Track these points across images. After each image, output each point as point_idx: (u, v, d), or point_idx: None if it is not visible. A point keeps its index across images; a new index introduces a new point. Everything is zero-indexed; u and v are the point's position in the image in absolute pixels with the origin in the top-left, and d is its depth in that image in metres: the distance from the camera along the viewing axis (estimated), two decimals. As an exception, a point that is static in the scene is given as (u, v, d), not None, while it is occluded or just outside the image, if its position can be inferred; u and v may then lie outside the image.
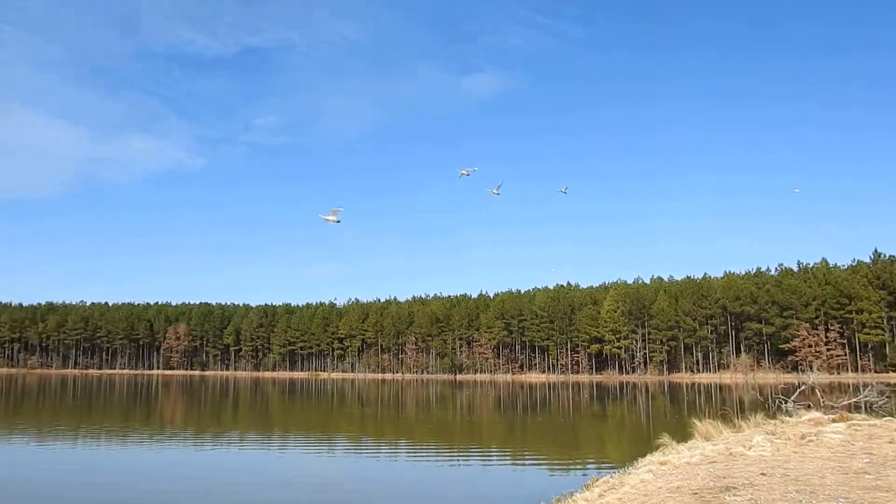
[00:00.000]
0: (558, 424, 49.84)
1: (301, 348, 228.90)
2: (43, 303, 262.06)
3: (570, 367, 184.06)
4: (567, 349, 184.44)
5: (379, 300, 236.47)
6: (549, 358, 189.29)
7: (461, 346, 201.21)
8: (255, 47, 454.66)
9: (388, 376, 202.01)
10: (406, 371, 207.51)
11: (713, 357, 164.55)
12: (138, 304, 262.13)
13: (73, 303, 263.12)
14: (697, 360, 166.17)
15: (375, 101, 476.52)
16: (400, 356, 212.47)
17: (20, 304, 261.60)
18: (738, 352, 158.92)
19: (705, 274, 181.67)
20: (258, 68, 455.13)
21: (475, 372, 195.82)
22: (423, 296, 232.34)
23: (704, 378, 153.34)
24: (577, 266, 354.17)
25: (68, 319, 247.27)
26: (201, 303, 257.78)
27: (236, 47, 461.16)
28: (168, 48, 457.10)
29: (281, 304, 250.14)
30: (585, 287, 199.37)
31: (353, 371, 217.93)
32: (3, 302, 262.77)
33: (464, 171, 52.76)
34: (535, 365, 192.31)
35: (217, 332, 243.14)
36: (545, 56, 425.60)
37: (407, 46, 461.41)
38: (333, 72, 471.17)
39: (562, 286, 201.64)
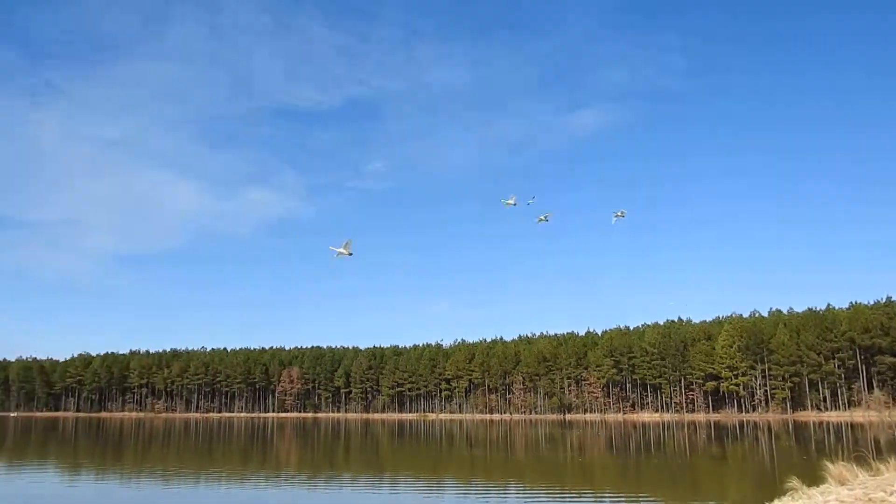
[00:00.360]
0: (675, 466, 47.70)
1: (409, 389, 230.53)
2: (168, 349, 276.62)
3: (684, 405, 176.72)
4: (680, 387, 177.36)
5: (485, 340, 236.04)
6: (661, 396, 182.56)
7: (569, 385, 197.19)
8: (360, 97, 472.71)
9: (496, 417, 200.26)
10: (514, 411, 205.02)
11: (842, 394, 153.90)
12: (254, 349, 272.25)
13: (195, 349, 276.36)
14: (824, 398, 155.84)
15: (479, 143, 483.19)
16: (507, 396, 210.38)
17: (147, 351, 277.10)
18: (871, 388, 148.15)
19: (829, 305, 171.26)
20: (364, 117, 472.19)
21: (584, 411, 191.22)
22: (530, 334, 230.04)
23: (833, 416, 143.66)
24: (689, 299, 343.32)
25: (191, 365, 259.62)
26: (313, 346, 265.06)
27: (343, 99, 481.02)
28: (280, 104, 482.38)
29: (389, 345, 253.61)
30: (698, 322, 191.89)
31: (460, 412, 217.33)
32: (133, 349, 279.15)
33: (508, 201, 52.61)
34: (648, 403, 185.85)
35: (328, 374, 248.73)
36: (648, 89, 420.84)
37: (509, 86, 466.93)
38: (436, 116, 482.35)
39: (672, 321, 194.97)
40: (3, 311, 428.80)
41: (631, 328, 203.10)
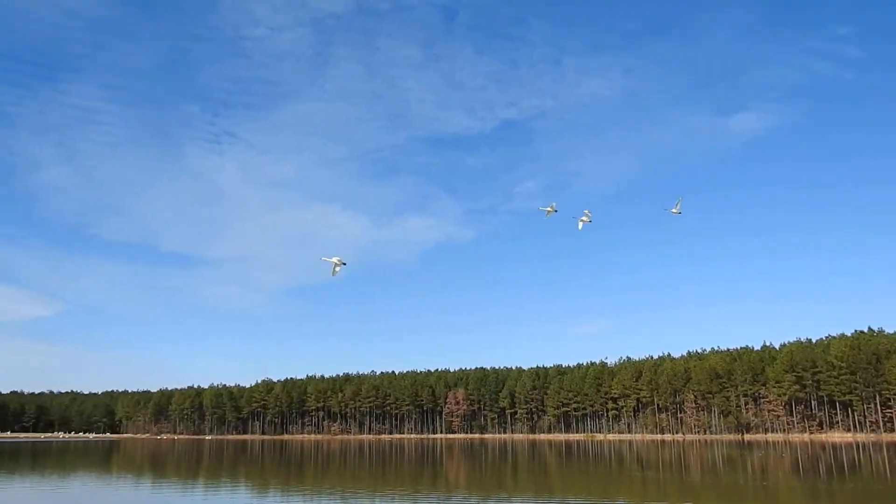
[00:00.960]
0: (874, 491, 43.41)
1: (575, 409, 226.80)
2: (341, 374, 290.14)
3: (881, 424, 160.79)
4: (876, 404, 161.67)
5: (651, 357, 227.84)
6: (853, 414, 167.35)
7: (746, 403, 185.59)
8: (511, 119, 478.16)
9: (668, 437, 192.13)
10: (686, 431, 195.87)
11: None
12: (420, 372, 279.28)
13: (365, 373, 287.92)
14: None
15: (631, 154, 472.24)
16: (679, 415, 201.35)
17: (322, 376, 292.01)
18: None
19: None
20: (516, 139, 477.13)
21: (764, 431, 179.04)
22: (700, 350, 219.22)
23: None
24: (882, 308, 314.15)
25: (362, 389, 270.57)
26: (477, 368, 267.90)
27: (495, 122, 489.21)
28: (434, 133, 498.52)
29: (552, 365, 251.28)
30: (893, 332, 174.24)
31: (629, 432, 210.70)
32: (310, 375, 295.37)
33: (548, 209, 49.79)
34: (838, 422, 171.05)
35: (493, 395, 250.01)
36: (818, 84, 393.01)
37: (661, 94, 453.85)
38: (587, 131, 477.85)
39: (862, 332, 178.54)
40: (195, 343, 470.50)
41: (813, 340, 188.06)
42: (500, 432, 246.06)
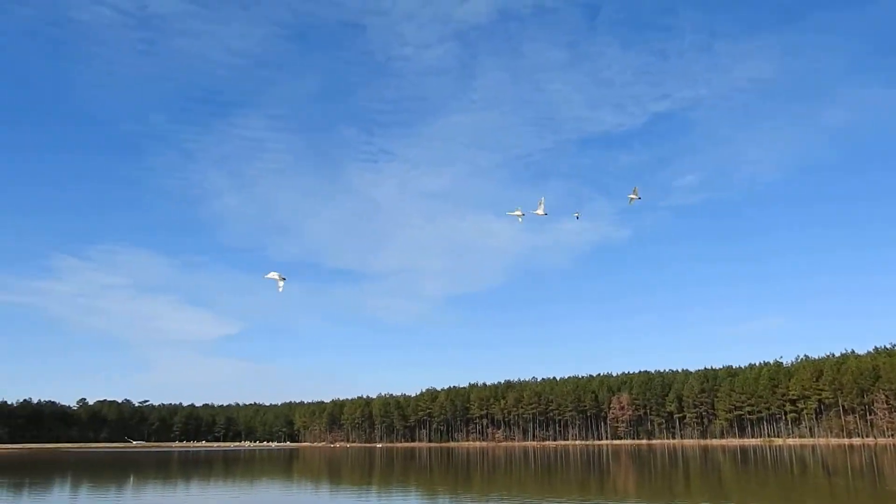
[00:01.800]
0: None
1: (749, 413, 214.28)
2: (503, 381, 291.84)
3: None
4: None
5: (833, 354, 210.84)
6: None
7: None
8: (663, 112, 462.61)
9: (856, 441, 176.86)
10: (878, 434, 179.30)
11: None
12: (582, 377, 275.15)
13: (527, 379, 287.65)
14: None
15: (798, 137, 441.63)
16: (868, 417, 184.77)
17: (484, 384, 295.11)
18: None
19: None
20: (670, 132, 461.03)
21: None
22: (889, 345, 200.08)
23: None
24: None
25: (524, 395, 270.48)
26: (641, 371, 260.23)
27: (645, 117, 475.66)
28: (583, 133, 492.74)
29: (721, 366, 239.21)
30: None
31: (811, 436, 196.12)
32: (472, 382, 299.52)
33: (515, 213, 46.14)
34: None
35: (659, 399, 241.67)
36: None
37: (827, 70, 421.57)
38: (747, 117, 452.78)
39: None
40: (363, 354, 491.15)
41: None
42: (668, 437, 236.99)
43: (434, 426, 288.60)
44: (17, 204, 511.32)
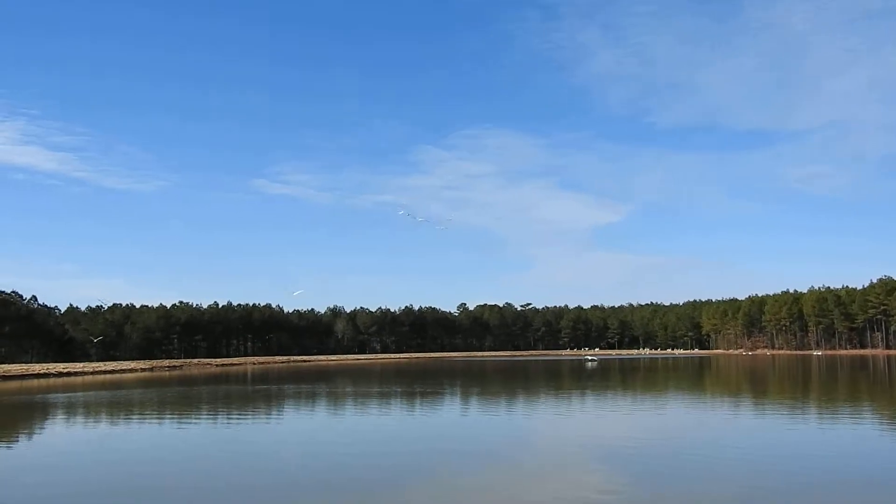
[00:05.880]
0: None
1: None
2: None
3: None
4: None
5: None
6: None
7: None
8: None
9: None
10: None
11: None
12: None
13: None
14: None
15: None
16: None
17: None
18: None
19: None
20: None
21: None
22: None
23: None
24: None
25: None
26: None
27: None
28: None
29: None
30: None
31: None
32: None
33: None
34: None
35: None
36: None
37: None
38: None
39: None
40: (785, 237, 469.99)
41: None
42: None
43: (893, 328, 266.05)
44: (380, 97, 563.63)
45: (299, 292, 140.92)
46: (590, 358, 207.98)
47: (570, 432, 39.53)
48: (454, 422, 46.77)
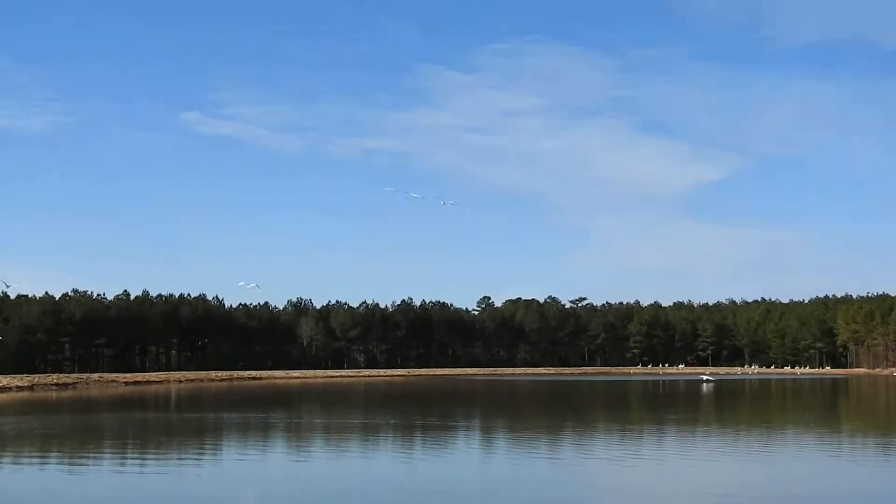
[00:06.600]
0: None
1: None
2: None
3: None
4: None
5: None
6: None
7: None
8: None
9: None
10: None
11: None
12: None
13: None
14: None
15: None
16: None
17: None
18: None
19: None
20: None
21: None
22: None
23: None
24: None
25: None
26: None
27: None
28: None
29: None
30: None
31: None
32: None
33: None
34: None
35: None
36: None
37: None
38: None
39: None
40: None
41: None
42: None
43: None
44: None
45: (253, 285, 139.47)
46: (706, 378, 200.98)
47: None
48: (472, 475, 45.97)
